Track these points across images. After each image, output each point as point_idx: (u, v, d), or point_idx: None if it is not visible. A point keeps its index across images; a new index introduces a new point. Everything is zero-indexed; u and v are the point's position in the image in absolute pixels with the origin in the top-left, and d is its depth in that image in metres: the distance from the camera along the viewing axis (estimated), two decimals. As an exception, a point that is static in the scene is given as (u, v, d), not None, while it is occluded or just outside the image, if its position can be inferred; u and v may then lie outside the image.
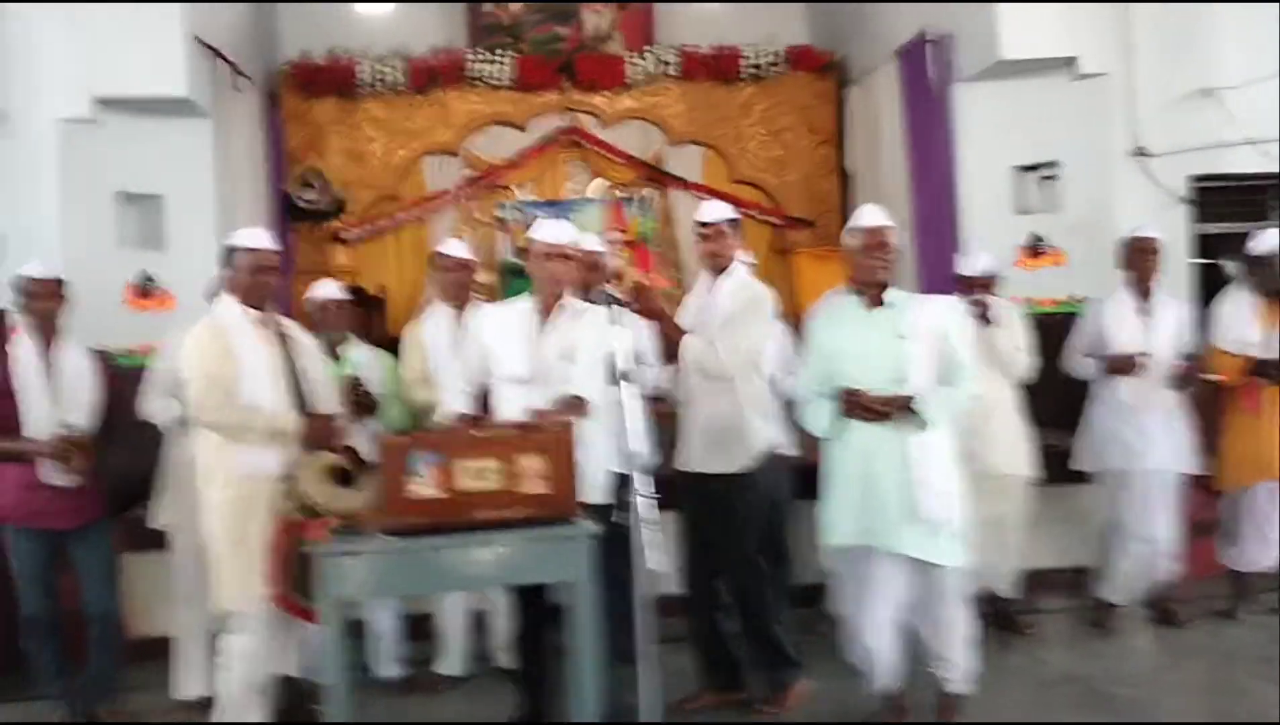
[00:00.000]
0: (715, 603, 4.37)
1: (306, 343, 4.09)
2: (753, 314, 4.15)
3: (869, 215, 3.97)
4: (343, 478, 3.71)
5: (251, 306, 3.90)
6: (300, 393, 3.89)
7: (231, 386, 3.74)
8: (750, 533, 4.24)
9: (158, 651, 4.73)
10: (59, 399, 4.31)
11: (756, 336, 4.16)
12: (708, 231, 4.29)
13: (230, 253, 3.92)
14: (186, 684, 4.60)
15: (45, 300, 4.37)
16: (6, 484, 4.29)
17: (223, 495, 3.74)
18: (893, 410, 3.72)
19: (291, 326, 4.07)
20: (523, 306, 3.98)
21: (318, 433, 3.83)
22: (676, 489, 4.35)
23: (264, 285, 3.92)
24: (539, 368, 3.82)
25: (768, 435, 4.26)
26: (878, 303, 3.87)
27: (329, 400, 4.05)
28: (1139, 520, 5.00)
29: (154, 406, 4.50)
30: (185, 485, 4.25)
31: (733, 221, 4.32)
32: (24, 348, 4.33)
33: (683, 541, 4.44)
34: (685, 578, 4.44)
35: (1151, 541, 5.00)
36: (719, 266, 4.29)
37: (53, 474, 4.25)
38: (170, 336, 4.49)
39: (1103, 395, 5.17)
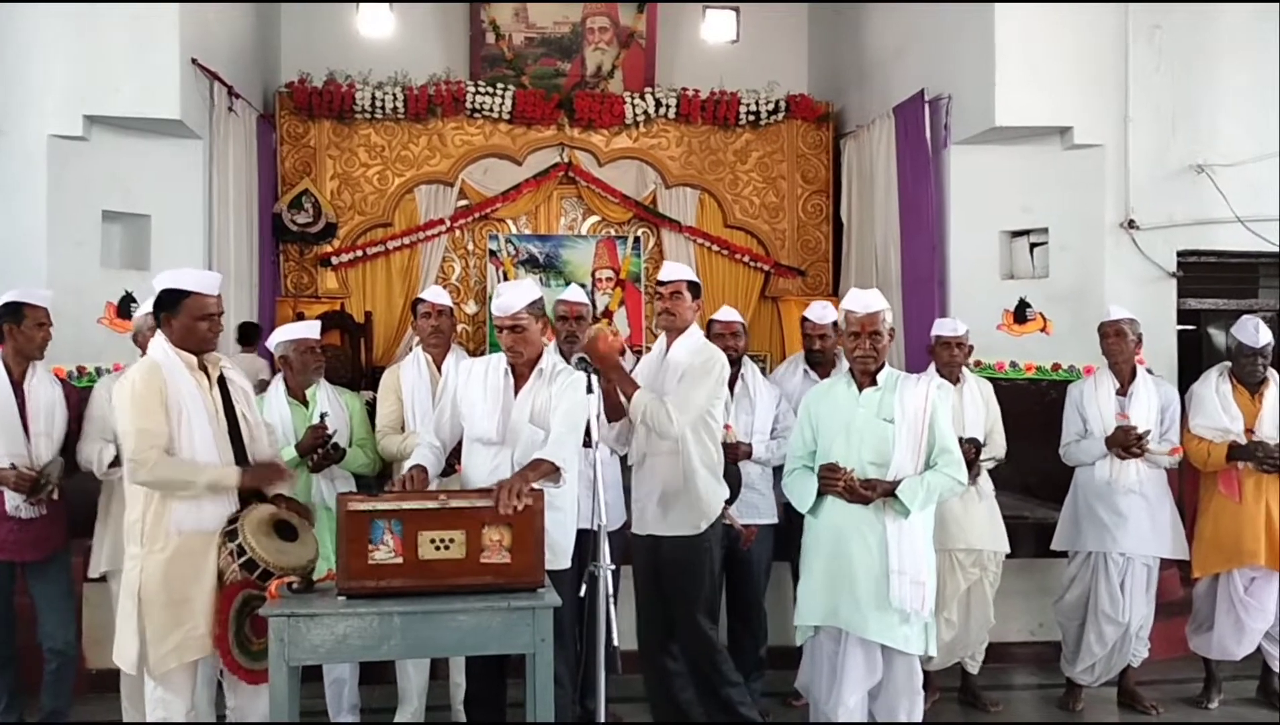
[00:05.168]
0: (668, 669, 4.29)
1: (244, 385, 3.80)
2: (705, 375, 4.06)
3: (860, 300, 3.81)
4: (284, 531, 3.57)
5: (190, 351, 3.57)
6: (239, 441, 3.65)
7: (167, 441, 3.45)
8: (699, 597, 4.14)
9: (116, 683, 4.64)
10: (28, 429, 4.25)
11: (707, 397, 4.05)
12: (665, 291, 4.21)
13: (173, 296, 3.53)
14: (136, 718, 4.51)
15: (31, 329, 4.30)
16: (-31, 514, 4.24)
17: (161, 556, 3.47)
18: (874, 494, 3.66)
19: (229, 367, 3.76)
20: (498, 364, 3.87)
21: (259, 481, 3.61)
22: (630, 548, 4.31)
23: (209, 336, 3.58)
24: (509, 430, 3.76)
25: (719, 498, 4.20)
26: (868, 383, 3.80)
27: (267, 446, 3.81)
28: (1112, 604, 4.93)
29: (88, 452, 4.26)
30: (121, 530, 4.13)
31: (692, 284, 4.24)
32: (-3, 375, 4.27)
33: (637, 603, 4.35)
34: (639, 643, 4.34)
35: (1123, 625, 4.94)
36: (676, 327, 4.21)
37: (16, 504, 4.19)
38: (101, 382, 4.43)
39: (1084, 475, 5.09)
